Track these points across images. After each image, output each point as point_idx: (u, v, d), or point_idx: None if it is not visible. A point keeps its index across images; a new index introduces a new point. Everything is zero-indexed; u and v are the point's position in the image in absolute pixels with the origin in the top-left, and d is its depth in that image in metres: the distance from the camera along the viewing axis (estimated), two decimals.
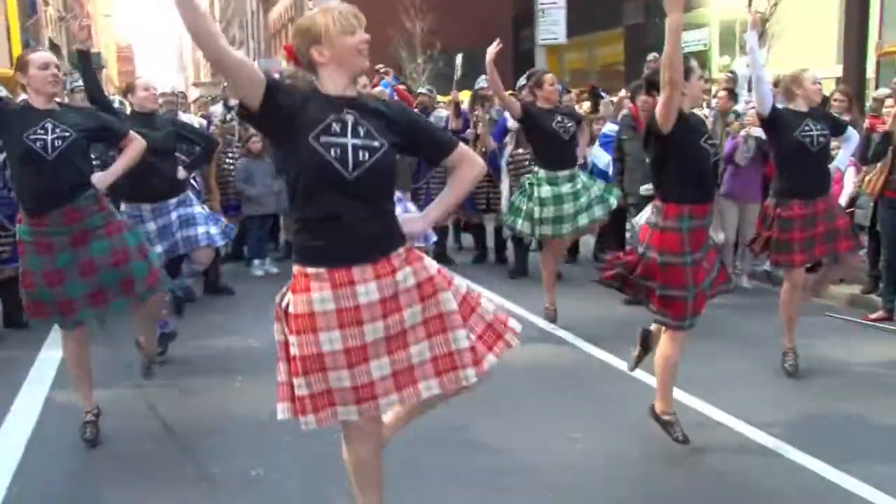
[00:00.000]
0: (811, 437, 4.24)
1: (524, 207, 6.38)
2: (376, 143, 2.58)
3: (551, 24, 22.94)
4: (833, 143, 5.33)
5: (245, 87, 2.50)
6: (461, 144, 2.89)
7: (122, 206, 5.39)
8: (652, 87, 4.39)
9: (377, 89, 8.44)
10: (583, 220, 6.33)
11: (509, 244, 8.68)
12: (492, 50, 5.91)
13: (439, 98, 9.86)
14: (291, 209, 2.67)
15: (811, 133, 4.97)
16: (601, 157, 8.28)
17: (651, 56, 12.40)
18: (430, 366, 2.66)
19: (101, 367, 4.76)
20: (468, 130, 8.92)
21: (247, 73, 2.49)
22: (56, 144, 3.92)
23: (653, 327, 4.38)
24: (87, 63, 5.34)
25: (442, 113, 9.24)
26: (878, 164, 6.31)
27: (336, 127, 2.55)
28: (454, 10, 31.73)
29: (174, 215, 5.43)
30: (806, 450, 4.07)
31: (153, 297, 4.41)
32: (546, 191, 6.26)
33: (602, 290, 7.39)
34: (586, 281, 7.44)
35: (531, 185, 6.38)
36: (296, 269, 2.62)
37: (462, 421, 4.12)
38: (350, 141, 2.54)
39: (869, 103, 10.60)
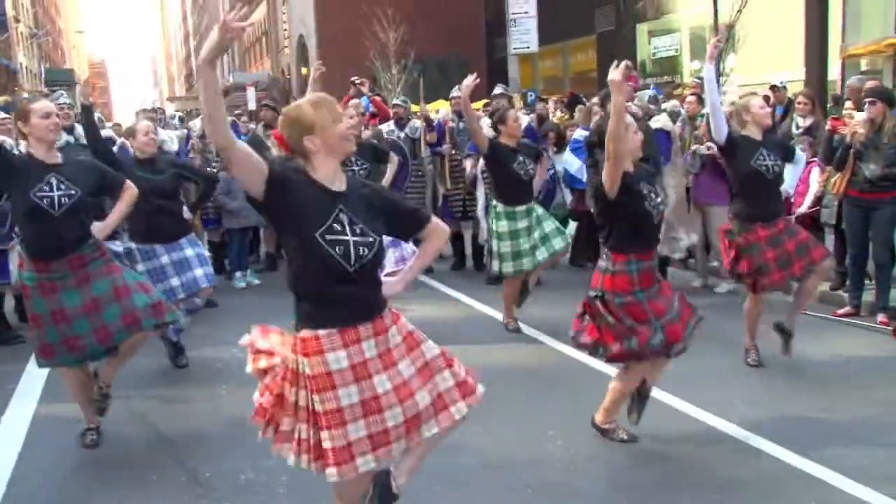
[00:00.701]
0: (780, 429, 4.41)
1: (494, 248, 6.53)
2: (371, 239, 2.82)
3: (523, 32, 23.15)
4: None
5: (249, 176, 2.71)
6: (433, 219, 3.17)
7: (135, 246, 5.59)
8: (608, 101, 4.54)
9: (353, 101, 8.58)
10: (541, 253, 6.42)
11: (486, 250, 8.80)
12: (467, 83, 6.08)
13: (414, 108, 10.00)
14: (295, 282, 2.83)
15: (766, 163, 5.23)
16: (572, 163, 8.43)
17: (623, 63, 12.67)
18: (431, 409, 2.94)
19: None
20: (444, 145, 9.03)
21: (252, 164, 2.70)
22: (63, 202, 4.07)
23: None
24: (89, 116, 5.64)
25: (416, 124, 9.39)
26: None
27: (337, 226, 2.77)
28: (426, 19, 31.91)
29: (189, 252, 5.67)
30: (775, 440, 4.24)
31: (146, 333, 4.43)
32: (503, 225, 6.42)
33: (575, 293, 7.58)
34: (563, 285, 7.62)
35: (491, 220, 6.58)
36: (305, 333, 2.80)
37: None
38: (351, 239, 2.77)
39: (830, 105, 10.88)
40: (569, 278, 8.45)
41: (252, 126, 11.32)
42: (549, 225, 6.52)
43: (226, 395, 5.27)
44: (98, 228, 4.33)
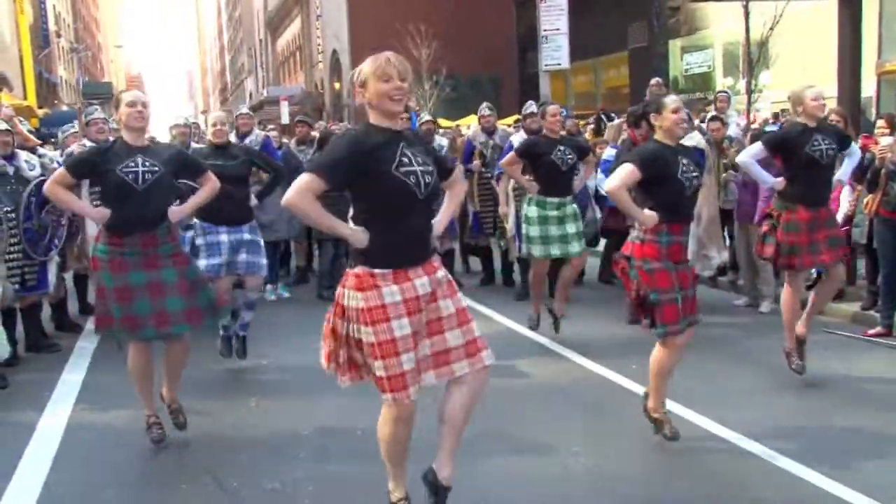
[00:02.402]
0: (808, 449, 4.37)
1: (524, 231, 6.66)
2: (430, 168, 3.20)
3: (554, 49, 23.17)
4: None
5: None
6: (457, 167, 3.65)
7: (197, 222, 5.84)
8: (640, 119, 4.66)
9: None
10: (575, 247, 6.52)
11: (516, 267, 8.84)
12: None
13: (447, 123, 10.08)
14: (367, 226, 3.15)
15: (820, 147, 5.23)
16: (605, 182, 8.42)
17: (654, 80, 12.65)
18: (463, 350, 3.29)
19: (123, 387, 4.95)
20: (474, 163, 9.07)
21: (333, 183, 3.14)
22: (146, 178, 4.32)
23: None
24: None
25: (443, 142, 9.48)
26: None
27: (405, 159, 3.12)
28: (458, 35, 32.13)
29: (246, 236, 5.92)
30: (804, 462, 4.19)
31: (186, 347, 4.64)
32: (533, 210, 6.52)
33: (605, 310, 7.61)
34: (591, 302, 7.62)
35: (523, 204, 6.70)
36: (359, 270, 3.13)
37: (466, 435, 4.26)
38: (418, 169, 3.13)
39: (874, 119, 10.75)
40: (596, 295, 8.46)
41: (284, 140, 11.44)
42: (575, 227, 6.56)
43: (255, 406, 5.34)
44: (174, 212, 4.56)
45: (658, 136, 4.40)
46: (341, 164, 3.09)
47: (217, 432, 4.84)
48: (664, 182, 4.27)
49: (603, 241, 9.09)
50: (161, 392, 4.71)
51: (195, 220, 5.87)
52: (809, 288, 6.12)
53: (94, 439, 4.76)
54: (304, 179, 3.05)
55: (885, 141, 6.46)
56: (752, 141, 7.80)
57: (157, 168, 4.36)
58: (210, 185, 4.81)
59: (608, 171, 8.35)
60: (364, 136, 3.14)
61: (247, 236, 5.91)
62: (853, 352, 6.27)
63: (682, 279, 4.35)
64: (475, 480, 3.99)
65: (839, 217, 7.13)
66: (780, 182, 5.36)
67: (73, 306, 7.89)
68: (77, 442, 4.75)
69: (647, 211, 4.29)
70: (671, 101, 4.38)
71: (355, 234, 3.14)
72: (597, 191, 8.56)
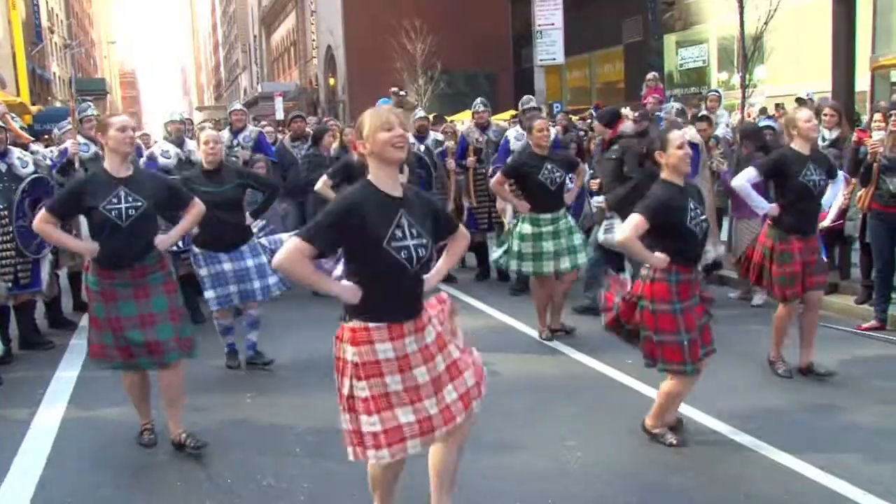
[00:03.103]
0: (803, 443, 4.39)
1: (508, 243, 6.62)
2: (425, 241, 3.14)
3: (549, 44, 23.18)
4: None
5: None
6: (460, 225, 3.57)
7: (198, 250, 5.75)
8: (646, 158, 4.66)
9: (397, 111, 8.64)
10: (565, 263, 6.45)
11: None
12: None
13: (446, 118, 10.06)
14: (358, 284, 3.11)
15: (813, 178, 5.29)
16: None
17: (650, 74, 12.66)
18: (460, 403, 3.22)
19: (117, 385, 4.92)
20: (468, 159, 9.06)
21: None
22: (130, 213, 4.27)
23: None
24: None
25: (439, 136, 9.48)
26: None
27: (398, 232, 3.07)
28: (453, 31, 32.07)
29: (251, 262, 5.81)
30: (798, 455, 4.22)
31: (179, 374, 4.55)
32: (526, 227, 6.46)
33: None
34: (584, 297, 7.61)
35: (517, 222, 6.61)
36: (354, 324, 3.10)
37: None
38: (411, 243, 3.09)
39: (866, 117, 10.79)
40: (591, 291, 8.43)
41: (278, 136, 11.43)
42: (576, 239, 6.54)
43: (250, 402, 5.34)
44: (160, 240, 4.48)
45: (665, 174, 4.35)
46: (331, 233, 3.05)
47: (212, 429, 4.83)
48: (673, 230, 4.25)
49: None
50: (168, 426, 4.59)
51: (195, 248, 5.80)
52: None
53: (89, 436, 4.76)
54: (294, 245, 3.01)
55: (878, 135, 6.47)
56: (742, 136, 7.87)
57: (140, 203, 4.30)
58: (195, 211, 4.71)
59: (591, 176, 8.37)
60: (358, 203, 3.06)
61: (250, 262, 5.81)
62: (848, 346, 6.29)
63: (689, 320, 4.29)
64: (469, 475, 3.99)
65: (833, 212, 7.15)
66: (774, 208, 5.41)
67: (66, 304, 7.88)
68: (71, 439, 4.75)
69: (657, 253, 4.25)
70: (675, 136, 4.33)
71: (346, 290, 3.11)
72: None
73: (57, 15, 53.53)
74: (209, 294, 5.76)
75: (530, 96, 10.07)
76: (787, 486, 3.93)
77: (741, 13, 15.17)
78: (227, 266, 5.75)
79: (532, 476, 4.09)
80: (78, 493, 4.05)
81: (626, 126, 7.01)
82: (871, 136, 6.64)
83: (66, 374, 5.94)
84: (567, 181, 6.66)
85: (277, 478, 4.11)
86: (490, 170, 8.52)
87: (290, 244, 3.04)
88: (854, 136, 6.99)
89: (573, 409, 5.05)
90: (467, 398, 3.25)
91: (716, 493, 3.91)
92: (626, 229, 4.23)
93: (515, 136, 8.36)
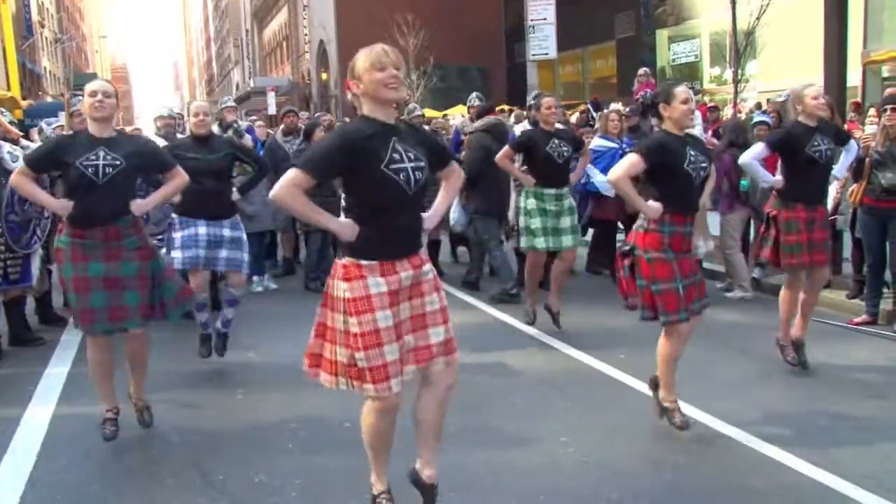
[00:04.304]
0: (793, 437, 4.40)
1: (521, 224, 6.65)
2: (422, 164, 3.19)
3: (542, 39, 23.12)
4: None
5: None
6: (454, 161, 3.59)
7: (175, 217, 5.70)
8: (649, 109, 4.68)
9: None
10: (567, 241, 6.52)
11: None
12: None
13: (435, 113, 10.07)
14: (356, 219, 3.16)
15: (820, 148, 5.29)
16: (594, 173, 8.39)
17: (641, 70, 12.66)
18: (442, 347, 3.29)
19: None
20: (464, 152, 9.04)
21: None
22: (107, 171, 4.24)
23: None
24: None
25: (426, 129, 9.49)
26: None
27: (396, 155, 3.11)
28: (446, 25, 32.04)
29: (227, 232, 5.74)
30: (790, 450, 4.22)
31: (143, 341, 4.57)
32: (531, 203, 6.51)
33: (593, 301, 7.63)
34: (579, 292, 7.63)
35: (521, 197, 6.67)
36: (347, 261, 3.15)
37: (456, 425, 4.28)
38: (409, 165, 3.12)
39: (851, 114, 10.83)
40: (584, 285, 8.45)
41: (269, 131, 11.38)
42: (570, 221, 6.57)
43: (241, 398, 5.32)
44: (137, 205, 4.44)
45: (666, 125, 4.38)
46: (329, 160, 3.09)
47: (203, 425, 4.82)
48: (670, 172, 4.27)
49: (590, 231, 9.09)
50: (129, 390, 4.68)
51: (173, 215, 5.75)
52: None
53: (79, 433, 4.72)
54: (291, 175, 3.04)
55: (869, 130, 6.48)
56: (725, 129, 7.94)
57: (118, 162, 4.27)
58: (177, 180, 4.66)
59: (594, 161, 8.39)
60: (355, 130, 3.13)
61: (227, 232, 5.73)
62: (839, 340, 6.31)
63: (684, 268, 4.36)
64: (463, 470, 3.99)
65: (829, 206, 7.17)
66: (779, 181, 5.40)
67: (57, 299, 7.83)
68: (62, 435, 4.71)
69: (651, 202, 4.28)
70: (681, 90, 4.34)
71: (343, 227, 3.14)
72: (587, 179, 8.55)
73: (47, 9, 53.25)
74: (175, 254, 5.61)
75: (538, 90, 10.11)
76: (778, 481, 3.93)
77: (733, 9, 15.22)
78: (202, 230, 5.65)
79: (524, 471, 4.08)
80: (68, 490, 4.02)
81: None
82: (862, 131, 6.65)
83: (57, 371, 5.90)
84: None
85: (270, 474, 4.09)
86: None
87: (287, 175, 3.05)
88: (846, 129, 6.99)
89: (566, 405, 5.04)
90: (451, 346, 3.31)
91: (708, 488, 3.91)
92: (620, 167, 4.27)
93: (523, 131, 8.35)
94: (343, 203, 3.25)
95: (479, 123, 8.56)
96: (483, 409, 4.74)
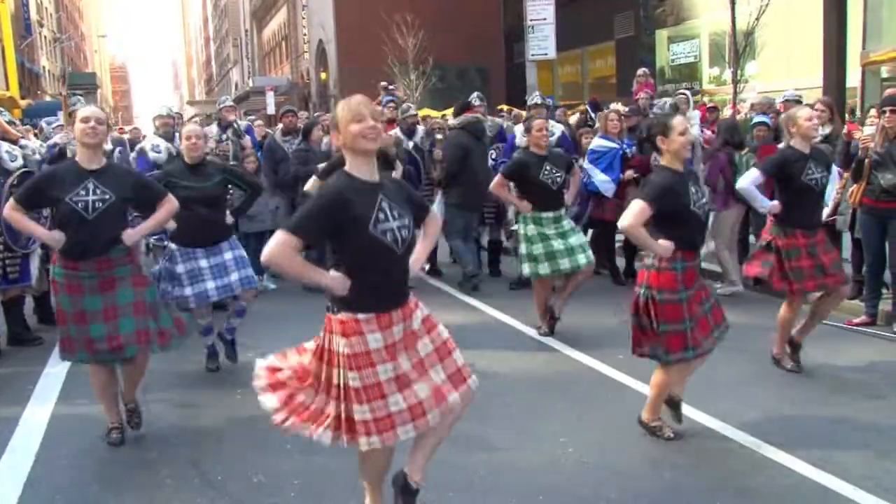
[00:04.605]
0: (792, 438, 4.39)
1: (520, 250, 6.61)
2: (407, 221, 3.20)
3: (541, 39, 23.07)
4: None
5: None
6: (431, 207, 3.59)
7: (175, 247, 5.62)
8: (645, 142, 4.65)
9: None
10: (582, 259, 6.46)
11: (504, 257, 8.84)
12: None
13: (434, 113, 10.06)
14: (347, 273, 3.13)
15: (815, 176, 5.31)
16: (593, 173, 8.38)
17: (640, 70, 12.65)
18: (449, 383, 3.27)
19: None
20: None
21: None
22: (97, 206, 4.23)
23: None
24: None
25: (438, 136, 9.47)
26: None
27: (381, 215, 3.10)
28: (445, 25, 31.99)
29: (228, 255, 5.67)
30: (787, 449, 4.23)
31: (140, 365, 4.58)
32: (531, 229, 6.49)
33: (592, 302, 7.62)
34: (578, 294, 7.61)
35: (519, 224, 6.64)
36: (343, 316, 3.12)
37: (455, 425, 4.27)
38: (394, 224, 3.13)
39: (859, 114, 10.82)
40: (583, 287, 8.42)
41: (268, 131, 11.37)
42: (577, 239, 6.55)
43: (240, 398, 5.30)
44: (128, 235, 4.41)
45: (665, 160, 4.34)
46: (316, 225, 3.07)
47: (202, 425, 4.82)
48: (679, 216, 4.24)
49: (589, 232, 9.08)
50: (121, 391, 4.67)
51: (171, 245, 5.67)
52: None
53: (78, 432, 4.72)
54: (282, 237, 3.02)
55: (868, 130, 6.48)
56: (720, 129, 7.95)
57: (107, 196, 4.25)
58: (168, 206, 4.60)
59: (594, 161, 8.39)
60: (339, 193, 3.09)
61: (228, 255, 5.66)
62: (838, 341, 6.30)
63: (696, 299, 4.31)
64: (463, 470, 3.99)
65: (828, 206, 7.17)
66: (776, 206, 5.41)
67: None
68: (61, 435, 4.71)
69: (662, 241, 4.22)
70: (678, 122, 4.30)
71: (335, 281, 3.12)
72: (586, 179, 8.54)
73: (46, 8, 53.21)
74: (186, 291, 5.56)
75: (537, 92, 10.11)
76: (778, 482, 3.93)
77: (733, 9, 15.21)
78: (204, 262, 5.59)
79: (524, 471, 4.08)
80: (67, 490, 4.02)
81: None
82: (862, 131, 6.65)
83: (56, 370, 5.89)
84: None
85: (268, 474, 4.09)
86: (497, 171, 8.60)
87: (276, 237, 3.04)
88: (845, 130, 7.00)
89: (566, 405, 5.04)
90: (460, 376, 3.30)
91: (707, 488, 3.90)
92: (629, 216, 4.19)
93: (522, 133, 8.35)
94: (329, 257, 3.23)
95: (456, 121, 8.72)
96: (483, 409, 4.72)
